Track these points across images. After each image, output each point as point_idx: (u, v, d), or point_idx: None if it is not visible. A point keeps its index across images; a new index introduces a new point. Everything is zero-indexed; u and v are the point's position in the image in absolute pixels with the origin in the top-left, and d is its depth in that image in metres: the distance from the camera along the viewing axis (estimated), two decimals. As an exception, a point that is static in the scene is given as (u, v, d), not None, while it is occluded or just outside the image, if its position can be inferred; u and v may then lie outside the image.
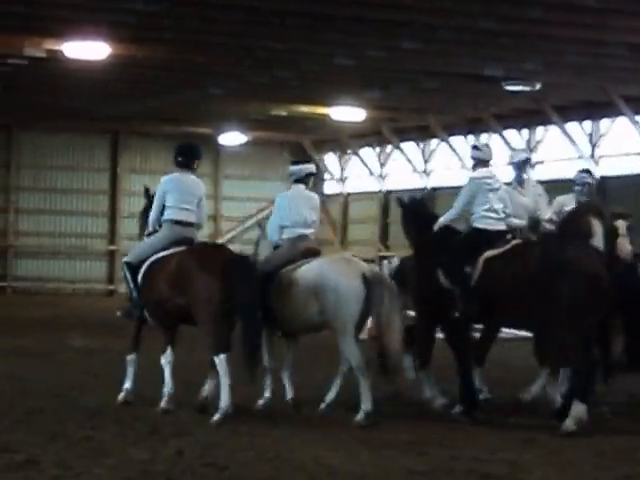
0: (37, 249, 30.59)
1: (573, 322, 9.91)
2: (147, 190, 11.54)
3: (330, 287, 10.14)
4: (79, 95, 23.93)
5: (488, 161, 10.94)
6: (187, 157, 10.91)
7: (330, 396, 10.74)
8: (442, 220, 10.97)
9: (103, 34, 17.06)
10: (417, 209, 11.56)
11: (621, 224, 10.92)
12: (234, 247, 22.01)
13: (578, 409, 9.85)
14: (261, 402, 10.83)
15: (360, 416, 10.09)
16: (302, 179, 10.91)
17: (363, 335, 20.74)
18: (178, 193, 10.68)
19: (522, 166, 11.79)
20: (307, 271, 10.38)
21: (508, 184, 11.56)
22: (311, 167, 11.10)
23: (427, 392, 11.05)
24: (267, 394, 10.85)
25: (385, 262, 22.46)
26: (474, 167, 10.98)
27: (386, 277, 10.84)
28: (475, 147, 11.13)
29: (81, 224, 31.26)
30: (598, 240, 10.54)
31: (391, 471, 8.19)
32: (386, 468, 8.28)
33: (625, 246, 10.84)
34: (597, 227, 10.61)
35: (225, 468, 8.07)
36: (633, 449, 9.28)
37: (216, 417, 9.95)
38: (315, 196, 11.02)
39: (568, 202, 11.58)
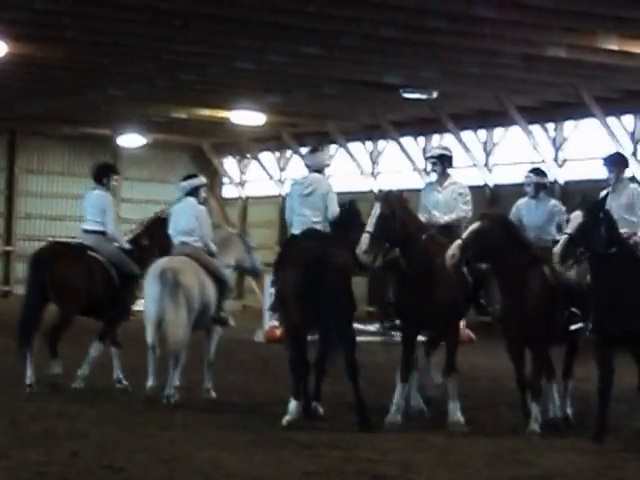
0: None
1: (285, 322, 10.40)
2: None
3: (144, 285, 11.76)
4: (-25, 93, 23.58)
5: (312, 167, 10.99)
6: (95, 175, 12.67)
7: None
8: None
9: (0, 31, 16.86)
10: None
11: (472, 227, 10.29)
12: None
13: (292, 406, 10.18)
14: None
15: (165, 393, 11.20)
16: (191, 192, 12.02)
17: (259, 338, 20.61)
18: (85, 206, 12.65)
19: (437, 162, 11.37)
20: None
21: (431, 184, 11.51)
22: (198, 180, 12.25)
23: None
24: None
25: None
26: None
27: (180, 276, 11.29)
28: (306, 153, 11.31)
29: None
30: (369, 223, 10.35)
31: (285, 472, 8.30)
32: (281, 469, 8.38)
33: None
34: (374, 210, 10.42)
35: (121, 470, 8.09)
36: (522, 450, 9.49)
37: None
38: (200, 207, 12.01)
39: (523, 205, 11.17)
